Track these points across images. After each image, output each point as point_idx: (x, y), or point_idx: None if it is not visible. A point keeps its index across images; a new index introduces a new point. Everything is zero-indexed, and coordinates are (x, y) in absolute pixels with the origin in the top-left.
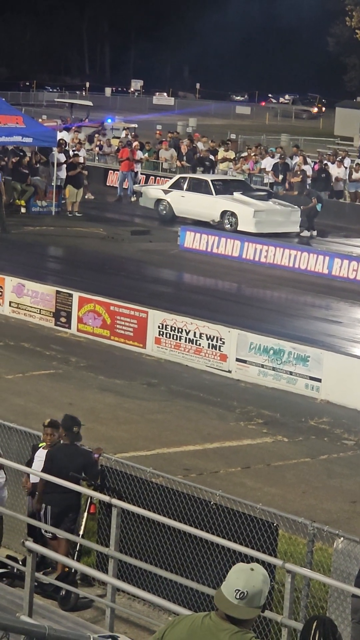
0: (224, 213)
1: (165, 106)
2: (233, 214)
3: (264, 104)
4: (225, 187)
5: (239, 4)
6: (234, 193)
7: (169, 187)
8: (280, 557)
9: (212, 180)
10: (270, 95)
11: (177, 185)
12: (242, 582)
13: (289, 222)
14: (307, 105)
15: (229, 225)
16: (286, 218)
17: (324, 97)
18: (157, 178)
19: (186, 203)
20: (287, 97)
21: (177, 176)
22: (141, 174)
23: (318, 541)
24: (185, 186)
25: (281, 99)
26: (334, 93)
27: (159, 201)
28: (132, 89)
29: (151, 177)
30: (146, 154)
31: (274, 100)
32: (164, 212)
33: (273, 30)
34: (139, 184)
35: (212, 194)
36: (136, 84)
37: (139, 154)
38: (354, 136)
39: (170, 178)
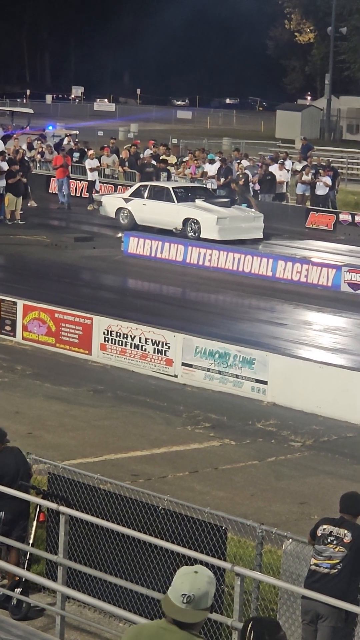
0: (186, 220)
1: (107, 112)
2: (196, 222)
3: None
4: (186, 195)
5: (178, 9)
6: (196, 200)
7: (129, 196)
8: (229, 560)
9: (173, 188)
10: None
11: (137, 194)
12: (188, 586)
13: (253, 228)
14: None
15: (191, 233)
16: (249, 224)
17: (264, 101)
18: (100, 184)
19: (148, 211)
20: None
21: (138, 184)
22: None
23: (267, 543)
24: (146, 194)
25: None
26: (274, 96)
27: (119, 210)
28: (73, 96)
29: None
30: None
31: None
32: (125, 221)
33: (212, 34)
34: (99, 192)
35: (173, 202)
36: (77, 91)
37: (94, 163)
38: (295, 138)
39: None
